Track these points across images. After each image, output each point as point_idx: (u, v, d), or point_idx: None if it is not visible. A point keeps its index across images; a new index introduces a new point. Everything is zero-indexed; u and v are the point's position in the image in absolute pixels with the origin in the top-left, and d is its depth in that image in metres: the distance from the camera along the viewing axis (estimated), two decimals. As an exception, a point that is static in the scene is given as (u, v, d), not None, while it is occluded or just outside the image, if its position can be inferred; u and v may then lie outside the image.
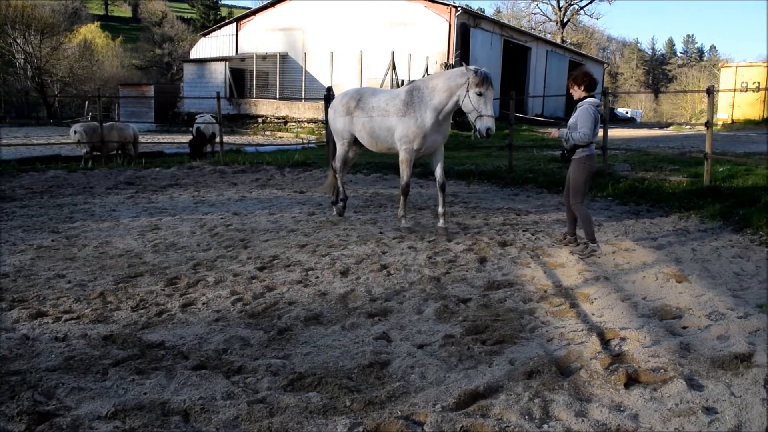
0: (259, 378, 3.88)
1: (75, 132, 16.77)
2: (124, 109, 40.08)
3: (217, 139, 18.33)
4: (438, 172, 8.24)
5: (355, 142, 8.85)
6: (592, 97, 6.91)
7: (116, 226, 8.56)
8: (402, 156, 8.08)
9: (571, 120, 6.92)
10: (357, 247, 7.29)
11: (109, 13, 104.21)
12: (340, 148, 9.01)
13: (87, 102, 45.45)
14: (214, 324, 4.87)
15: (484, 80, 7.34)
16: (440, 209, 8.20)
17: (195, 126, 18.94)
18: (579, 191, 6.99)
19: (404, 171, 8.15)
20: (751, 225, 8.02)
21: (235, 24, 41.81)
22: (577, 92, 6.91)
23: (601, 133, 7.19)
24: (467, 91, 7.39)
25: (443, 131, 8.07)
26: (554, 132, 7.45)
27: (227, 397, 3.61)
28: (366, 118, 8.34)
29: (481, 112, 7.32)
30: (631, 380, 3.81)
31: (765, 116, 30.97)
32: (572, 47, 57.17)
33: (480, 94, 7.32)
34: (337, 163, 9.12)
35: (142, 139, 20.09)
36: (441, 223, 8.12)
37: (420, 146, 7.96)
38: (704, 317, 4.88)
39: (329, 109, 9.18)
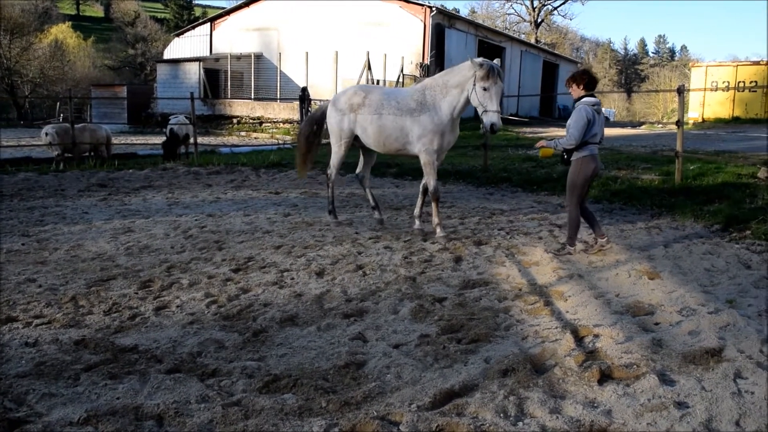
0: (234, 380, 3.86)
1: (46, 134, 16.54)
2: (97, 110, 39.60)
3: (191, 140, 18.18)
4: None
5: (356, 140, 8.47)
6: (591, 96, 6.70)
7: (88, 229, 8.45)
8: (424, 159, 7.74)
9: (569, 121, 6.73)
10: (332, 248, 7.28)
11: (80, 13, 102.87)
12: (338, 151, 8.57)
13: (58, 103, 44.80)
14: (188, 327, 4.83)
15: (489, 74, 7.10)
16: (416, 211, 8.20)
17: (168, 127, 18.77)
18: (575, 193, 6.78)
19: (430, 174, 7.78)
20: (721, 222, 8.15)
21: (209, 24, 41.53)
22: (575, 91, 6.71)
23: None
24: (474, 85, 7.17)
25: (455, 131, 7.82)
26: (542, 142, 7.15)
27: (202, 400, 3.58)
28: (374, 116, 7.93)
29: (487, 107, 7.09)
30: (605, 376, 3.86)
31: (734, 115, 31.52)
32: (546, 47, 57.62)
33: (485, 89, 7.10)
34: (333, 169, 8.78)
35: (114, 140, 19.86)
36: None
37: (439, 146, 7.67)
38: (676, 313, 4.95)
39: (329, 107, 8.65)
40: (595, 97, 6.73)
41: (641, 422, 3.31)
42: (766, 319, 4.80)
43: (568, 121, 6.68)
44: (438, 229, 7.84)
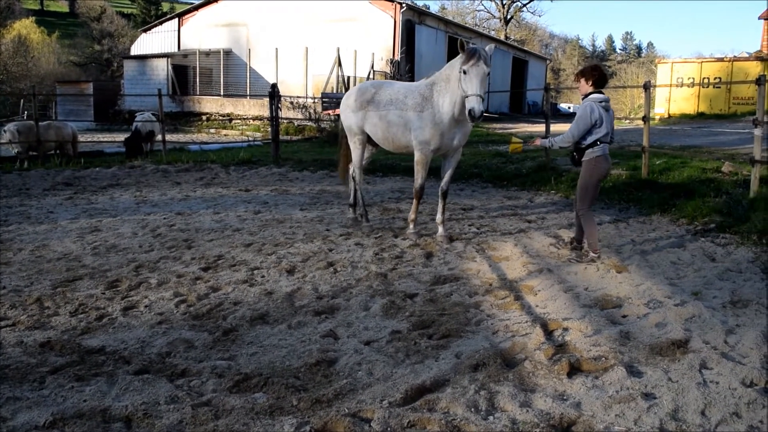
0: (203, 380, 3.82)
1: (5, 131, 16.17)
2: (62, 108, 38.79)
3: (158, 137, 17.96)
4: (446, 178, 7.62)
5: (368, 140, 8.14)
6: (599, 93, 6.35)
7: (54, 229, 8.28)
8: (417, 156, 7.40)
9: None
10: (303, 245, 7.24)
11: (44, 8, 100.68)
12: (356, 149, 8.20)
13: (22, 100, 43.84)
14: (157, 327, 4.77)
15: (469, 56, 6.52)
16: (439, 216, 7.65)
17: (134, 124, 18.58)
18: (588, 196, 6.42)
19: (419, 173, 7.49)
20: (687, 215, 8.30)
21: (177, 19, 40.96)
22: (584, 87, 6.37)
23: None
24: (459, 72, 6.65)
25: (462, 128, 7.27)
26: (536, 141, 6.92)
27: (171, 401, 3.54)
28: (382, 112, 7.59)
29: (466, 91, 6.54)
30: (574, 369, 3.92)
31: (699, 110, 32.08)
32: (516, 44, 58.02)
33: (465, 72, 6.54)
34: (356, 169, 8.31)
35: (81, 138, 19.50)
36: (441, 231, 7.55)
37: (438, 146, 7.25)
38: (643, 306, 5.04)
39: (341, 104, 8.35)
40: (603, 93, 6.40)
41: (610, 414, 3.36)
42: (730, 310, 4.91)
43: (575, 117, 6.38)
44: (411, 226, 7.76)
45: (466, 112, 6.58)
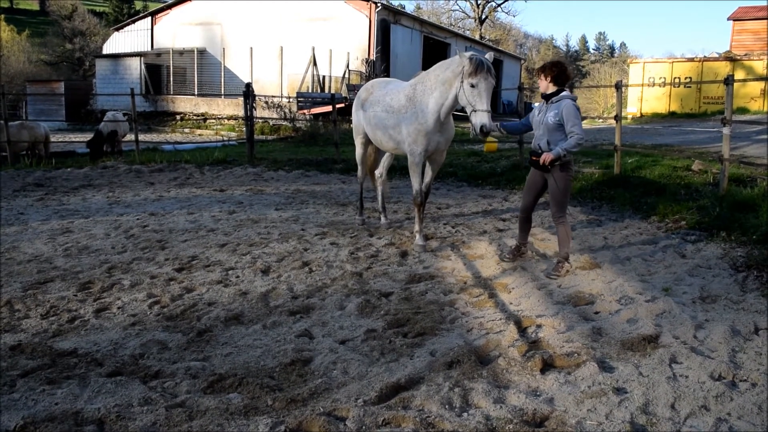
0: (177, 382, 3.79)
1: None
2: (33, 107, 38.10)
3: (126, 137, 17.80)
4: (426, 179, 7.35)
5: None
6: (563, 91, 5.99)
7: (24, 231, 8.15)
8: (408, 160, 7.08)
9: (550, 119, 5.89)
10: (278, 245, 7.22)
11: (14, 6, 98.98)
12: (357, 147, 8.25)
13: (-9, 100, 43.01)
14: (130, 328, 4.73)
15: (477, 69, 6.21)
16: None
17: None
18: (566, 203, 6.12)
19: (412, 178, 7.12)
20: (658, 213, 8.42)
21: (150, 18, 40.50)
22: (543, 83, 5.98)
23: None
24: (461, 81, 6.34)
25: (445, 131, 7.03)
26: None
27: (144, 402, 3.51)
28: (372, 113, 7.49)
29: (475, 106, 6.24)
30: (547, 365, 3.96)
31: (671, 110, 32.56)
32: (490, 43, 58.33)
33: (473, 86, 6.24)
34: (359, 167, 8.32)
35: (52, 138, 19.18)
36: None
37: (425, 147, 6.90)
38: (615, 302, 5.11)
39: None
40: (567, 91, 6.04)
41: (582, 409, 3.41)
42: (699, 305, 5.00)
43: (552, 120, 5.87)
44: (417, 237, 7.21)
45: (477, 128, 6.20)
